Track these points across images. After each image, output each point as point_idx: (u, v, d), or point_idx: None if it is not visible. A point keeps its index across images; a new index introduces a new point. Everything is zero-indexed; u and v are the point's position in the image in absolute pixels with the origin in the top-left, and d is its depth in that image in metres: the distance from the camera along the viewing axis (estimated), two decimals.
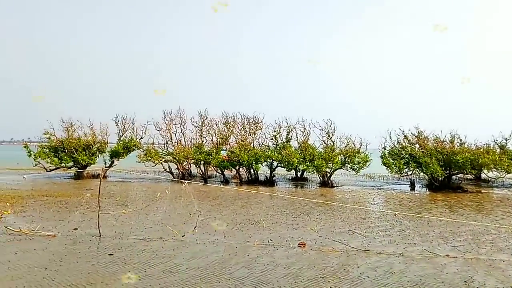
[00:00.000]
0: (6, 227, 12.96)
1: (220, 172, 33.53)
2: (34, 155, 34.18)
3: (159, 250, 11.25)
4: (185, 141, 36.08)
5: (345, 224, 15.62)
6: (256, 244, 12.28)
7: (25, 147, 35.29)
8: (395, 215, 17.26)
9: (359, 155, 30.21)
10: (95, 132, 37.35)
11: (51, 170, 34.66)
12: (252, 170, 32.41)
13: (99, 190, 13.59)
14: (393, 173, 29.54)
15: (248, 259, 10.57)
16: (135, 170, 34.04)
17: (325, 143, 32.36)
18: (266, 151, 32.31)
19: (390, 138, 31.35)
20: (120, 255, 10.66)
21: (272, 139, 33.98)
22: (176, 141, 35.98)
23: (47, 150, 35.08)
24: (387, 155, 30.23)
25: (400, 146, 30.77)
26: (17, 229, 12.81)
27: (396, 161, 29.43)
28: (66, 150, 34.91)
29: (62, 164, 34.66)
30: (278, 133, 33.98)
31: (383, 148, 31.18)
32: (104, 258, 10.34)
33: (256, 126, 34.97)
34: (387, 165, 29.58)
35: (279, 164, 31.85)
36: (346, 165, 30.31)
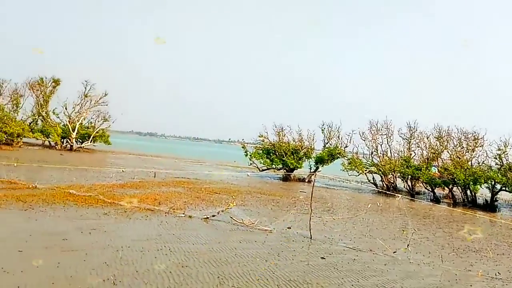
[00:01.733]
0: (231, 217, 14.52)
1: (430, 189, 30.98)
2: (250, 155, 38.02)
3: (370, 262, 10.84)
4: (391, 153, 34.69)
5: None
6: (479, 275, 10.71)
7: (243, 147, 39.64)
8: None
9: None
10: (302, 138, 39.25)
11: (263, 170, 37.98)
12: (468, 191, 28.92)
13: (312, 194, 13.97)
14: None
15: None
16: (338, 178, 34.42)
17: None
18: (488, 172, 28.34)
19: None
20: (332, 260, 10.67)
21: (496, 158, 29.61)
22: (382, 152, 34.90)
23: (261, 152, 38.53)
24: None
25: None
26: (240, 220, 14.20)
27: None
28: (277, 153, 37.64)
29: (273, 166, 37.57)
30: (504, 152, 29.41)
31: None
32: (316, 260, 10.51)
33: (476, 143, 31.06)
34: None
35: (504, 188, 27.53)
36: None
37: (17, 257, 8.25)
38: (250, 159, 38.14)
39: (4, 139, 43.62)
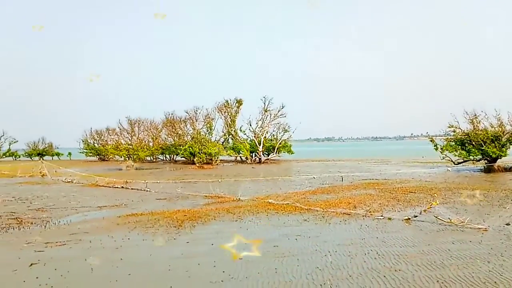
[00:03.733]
0: (435, 216, 13.36)
1: None
2: (441, 148, 34.87)
3: None
4: None
5: None
6: None
7: (431, 141, 36.64)
8: None
9: None
10: (502, 122, 34.21)
11: (458, 163, 34.37)
12: None
13: None
14: None
15: None
16: None
17: None
18: None
19: None
20: None
21: None
22: None
23: (453, 143, 34.99)
24: None
25: None
26: (447, 219, 12.94)
27: None
28: (473, 143, 33.61)
29: (470, 157, 33.67)
30: None
31: None
32: None
33: None
34: None
35: None
36: None
37: (239, 264, 9.03)
38: (441, 152, 35.01)
39: (205, 159, 49.75)
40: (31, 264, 9.44)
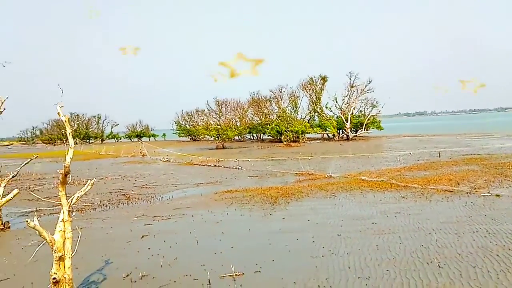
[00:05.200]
0: None
1: None
2: None
3: None
4: None
5: None
6: None
7: None
8: None
9: None
10: None
11: None
12: None
13: None
14: None
15: None
16: None
17: None
18: None
19: None
20: None
21: None
22: None
23: None
24: None
25: None
26: None
27: None
28: None
29: None
30: None
31: None
32: None
33: None
34: None
35: None
36: None
37: (338, 240, 8.97)
38: None
39: (292, 137, 49.87)
40: (143, 236, 10.24)
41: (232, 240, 9.44)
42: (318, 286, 6.52)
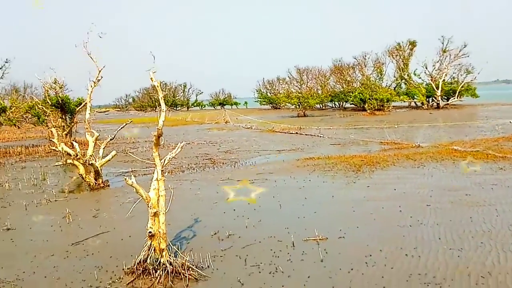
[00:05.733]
0: None
1: None
2: None
3: None
4: None
5: None
6: None
7: None
8: None
9: None
10: None
11: None
12: None
13: None
14: None
15: None
16: None
17: None
18: None
19: None
20: None
21: None
22: None
23: None
24: None
25: None
26: None
27: None
28: None
29: None
30: None
31: None
32: None
33: None
34: None
35: None
36: None
37: (427, 211, 8.56)
38: None
39: (376, 105, 47.99)
40: (227, 199, 10.63)
41: (314, 206, 9.45)
42: (406, 255, 6.31)
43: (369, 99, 48.84)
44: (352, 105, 59.37)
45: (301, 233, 7.46)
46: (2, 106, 24.04)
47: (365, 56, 59.48)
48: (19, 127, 26.95)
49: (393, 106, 52.37)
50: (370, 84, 53.07)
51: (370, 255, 6.36)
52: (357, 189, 10.82)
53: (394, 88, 57.16)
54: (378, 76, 57.90)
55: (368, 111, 47.65)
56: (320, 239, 7.15)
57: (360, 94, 51.36)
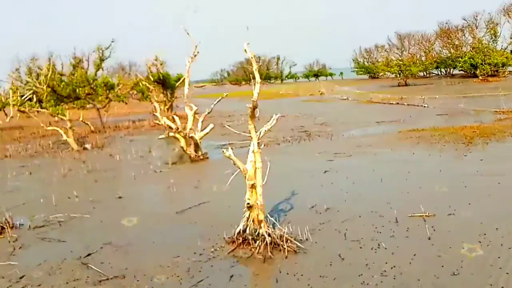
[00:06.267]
0: None
1: None
2: None
3: None
4: None
5: None
6: None
7: None
8: None
9: None
10: None
11: None
12: None
13: None
14: None
15: None
16: None
17: None
18: None
19: None
20: None
21: None
22: None
23: None
24: None
25: None
26: None
27: None
28: None
29: None
30: None
31: None
32: None
33: None
34: None
35: None
36: None
37: None
38: None
39: (490, 70, 43.45)
40: (325, 171, 10.35)
41: (420, 181, 8.79)
42: None
43: (482, 64, 44.31)
44: (461, 72, 54.49)
45: (405, 209, 6.97)
46: (110, 84, 26.20)
47: (477, 16, 53.73)
48: (126, 103, 29.10)
49: (509, 71, 47.01)
50: (482, 48, 48.00)
51: (485, 234, 5.73)
52: (468, 163, 9.87)
53: (511, 51, 51.07)
54: (491, 38, 52.15)
55: (480, 77, 43.36)
56: (426, 215, 6.62)
57: (471, 59, 46.75)
